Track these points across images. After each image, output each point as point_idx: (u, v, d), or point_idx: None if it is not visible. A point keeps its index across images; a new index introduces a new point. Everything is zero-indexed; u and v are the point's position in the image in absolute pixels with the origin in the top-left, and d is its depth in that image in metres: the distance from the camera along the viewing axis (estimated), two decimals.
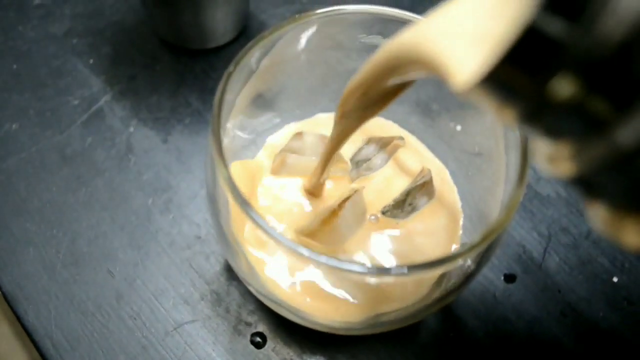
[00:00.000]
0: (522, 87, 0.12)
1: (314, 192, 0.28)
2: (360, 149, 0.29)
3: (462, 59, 0.14)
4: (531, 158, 0.21)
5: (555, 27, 0.11)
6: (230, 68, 0.22)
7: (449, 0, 0.16)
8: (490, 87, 0.13)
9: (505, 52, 0.12)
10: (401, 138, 0.30)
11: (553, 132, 0.13)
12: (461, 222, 0.28)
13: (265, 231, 0.19)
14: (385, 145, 0.29)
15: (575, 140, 0.12)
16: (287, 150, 0.29)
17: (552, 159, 0.13)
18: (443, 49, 0.15)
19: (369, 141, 0.29)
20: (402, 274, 0.19)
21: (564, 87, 0.11)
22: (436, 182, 0.28)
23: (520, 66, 0.12)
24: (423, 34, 0.16)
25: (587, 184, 0.13)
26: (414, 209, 0.28)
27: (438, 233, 0.27)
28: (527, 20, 0.11)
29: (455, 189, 0.29)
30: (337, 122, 0.23)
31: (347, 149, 0.29)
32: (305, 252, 0.19)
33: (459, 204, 0.28)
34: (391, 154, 0.29)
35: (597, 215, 0.13)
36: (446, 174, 0.29)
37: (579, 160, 0.12)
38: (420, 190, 0.27)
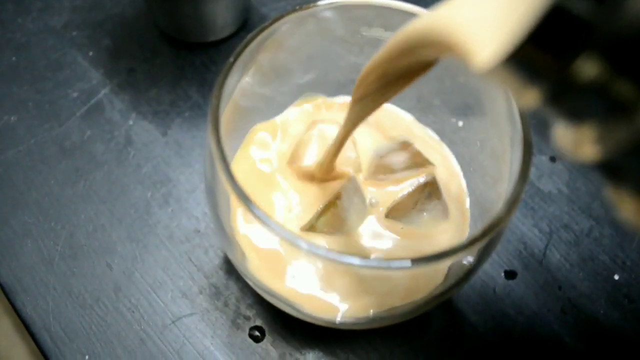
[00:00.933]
0: (546, 68, 0.12)
1: (322, 176, 0.27)
2: (390, 151, 0.28)
3: (484, 37, 0.14)
4: (534, 154, 0.21)
5: (582, 6, 0.11)
6: (230, 60, 0.22)
7: None
8: (513, 67, 0.13)
9: (529, 32, 0.12)
10: (433, 165, 0.28)
11: (577, 114, 0.12)
12: (469, 222, 0.28)
13: (265, 223, 0.19)
14: (417, 165, 0.28)
15: (599, 123, 0.12)
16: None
17: (576, 143, 0.13)
18: (465, 28, 0.15)
19: (404, 147, 0.28)
20: (403, 268, 0.19)
21: (589, 68, 0.11)
22: (449, 185, 0.28)
23: (545, 46, 0.12)
24: (445, 14, 0.16)
25: (612, 169, 0.13)
26: (421, 212, 0.27)
27: (447, 231, 0.27)
28: None
29: (466, 191, 0.28)
30: (354, 103, 0.23)
31: (369, 144, 0.28)
32: (304, 244, 0.19)
33: (467, 204, 0.28)
34: (414, 173, 0.28)
35: (622, 202, 0.13)
36: (461, 181, 0.29)
37: (604, 144, 0.12)
38: (422, 191, 0.27)
